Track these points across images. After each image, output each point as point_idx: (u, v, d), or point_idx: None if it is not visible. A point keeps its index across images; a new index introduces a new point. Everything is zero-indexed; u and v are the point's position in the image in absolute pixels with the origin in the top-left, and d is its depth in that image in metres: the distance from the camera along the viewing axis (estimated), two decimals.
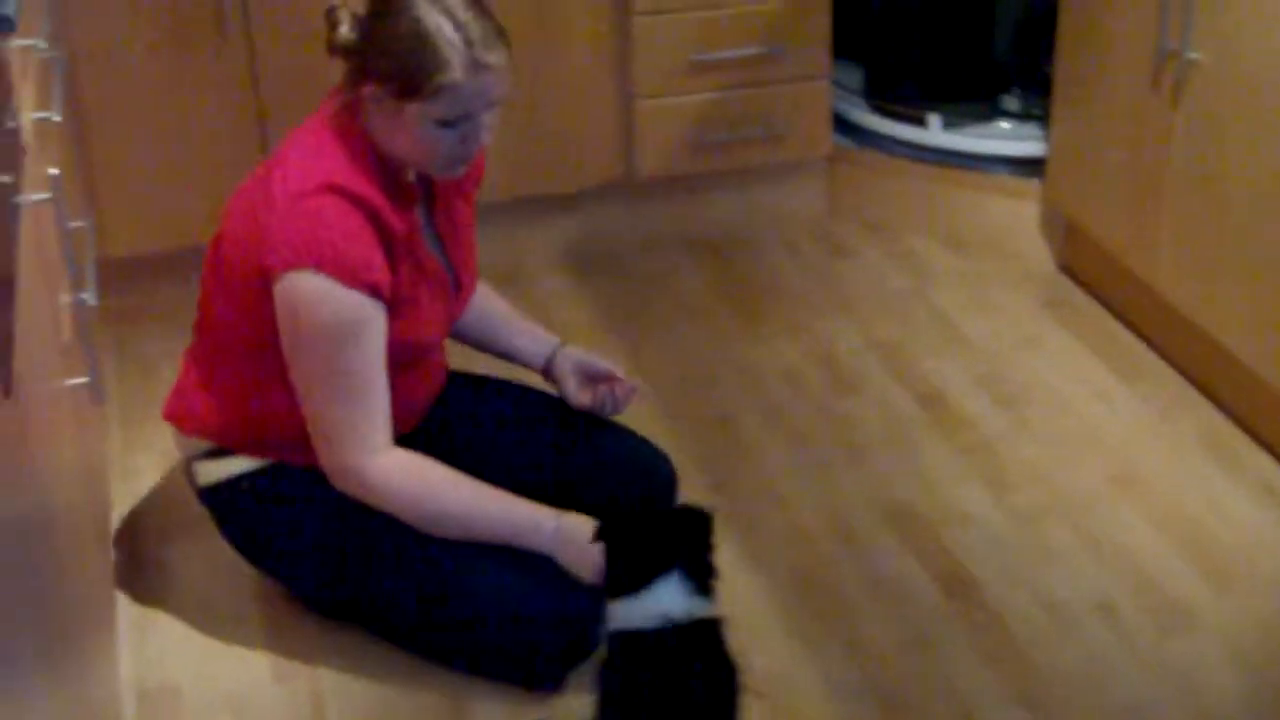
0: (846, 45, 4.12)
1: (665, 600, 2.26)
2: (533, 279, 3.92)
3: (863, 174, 4.12)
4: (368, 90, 2.46)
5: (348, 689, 2.65)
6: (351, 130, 2.52)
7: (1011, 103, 4.05)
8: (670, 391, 3.43)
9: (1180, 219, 3.29)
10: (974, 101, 4.06)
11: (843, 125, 4.16)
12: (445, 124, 2.46)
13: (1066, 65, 3.70)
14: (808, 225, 4.13)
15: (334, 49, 2.52)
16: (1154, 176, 3.35)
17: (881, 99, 4.13)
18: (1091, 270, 3.77)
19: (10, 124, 2.30)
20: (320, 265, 2.42)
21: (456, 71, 2.42)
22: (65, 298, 2.51)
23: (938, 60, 4.12)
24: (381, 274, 2.47)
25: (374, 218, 2.47)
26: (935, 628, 2.75)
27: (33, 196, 2.28)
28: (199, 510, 2.78)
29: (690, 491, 3.00)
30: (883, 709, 2.58)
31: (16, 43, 2.53)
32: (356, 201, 2.46)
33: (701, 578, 2.30)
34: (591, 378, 2.88)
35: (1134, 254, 3.49)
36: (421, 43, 2.41)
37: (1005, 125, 4.02)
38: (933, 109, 4.02)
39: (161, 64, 3.54)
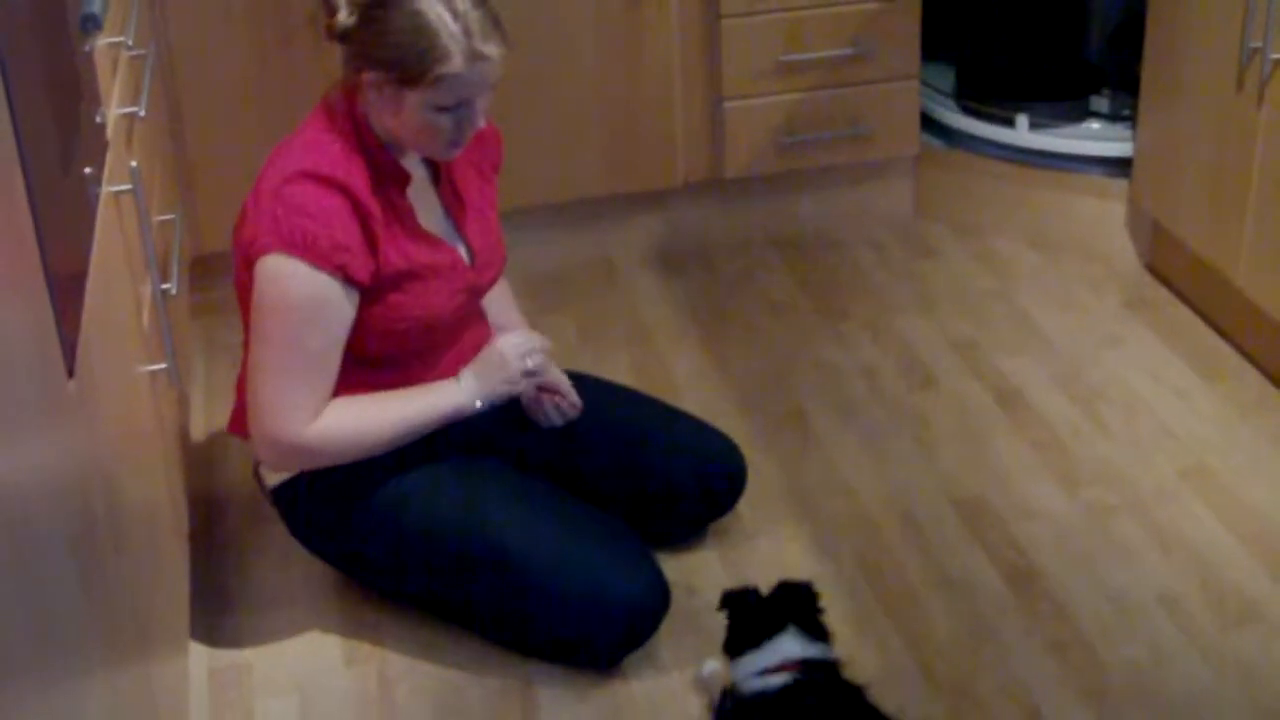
0: (937, 46, 4.15)
1: (784, 649, 2.42)
2: (622, 275, 3.97)
3: (950, 174, 4.14)
4: (368, 77, 2.53)
5: (415, 672, 2.71)
6: (343, 114, 2.60)
7: (1102, 104, 4.05)
8: (747, 385, 3.47)
9: (1264, 218, 3.28)
10: (1064, 102, 4.07)
11: (931, 125, 4.18)
12: (443, 110, 2.53)
13: (1153, 66, 3.71)
14: (893, 225, 4.16)
15: (332, 34, 2.59)
16: (1238, 176, 3.35)
17: (971, 99, 4.14)
18: (1177, 270, 3.77)
19: (97, 119, 2.38)
20: (290, 247, 2.49)
21: (457, 62, 2.49)
22: (146, 287, 2.59)
23: (1028, 61, 4.13)
24: (355, 256, 2.53)
25: (351, 200, 2.53)
26: (998, 619, 2.76)
27: (111, 188, 2.36)
28: None
29: (759, 481, 3.04)
30: (944, 698, 2.60)
31: (104, 40, 2.62)
32: (332, 184, 2.52)
33: (818, 635, 2.47)
34: (541, 387, 2.85)
35: (1218, 253, 3.48)
36: (422, 33, 2.48)
37: (1095, 126, 4.02)
38: (1022, 109, 4.03)
39: (257, 63, 3.61)
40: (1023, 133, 4.02)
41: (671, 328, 3.72)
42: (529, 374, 2.73)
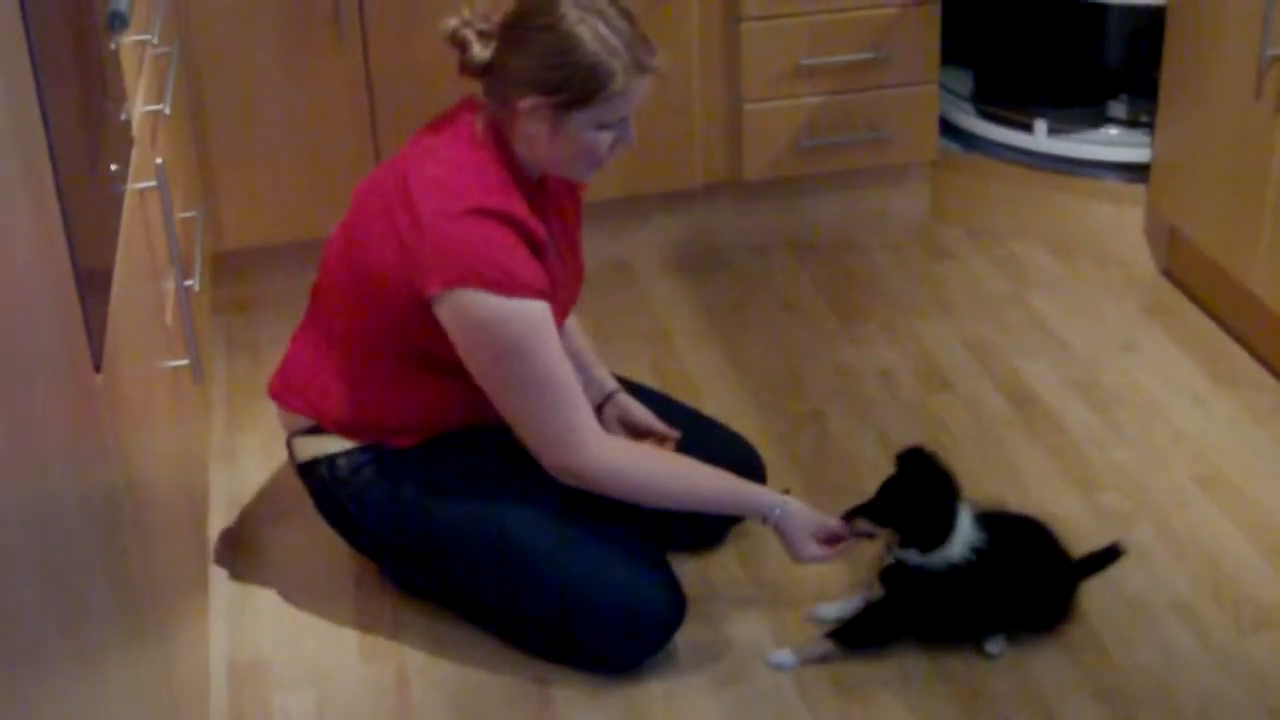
0: (956, 50, 4.16)
1: (966, 534, 2.63)
2: (640, 276, 3.99)
3: (967, 179, 4.15)
4: (526, 104, 2.50)
5: (432, 667, 2.72)
6: (491, 143, 2.56)
7: (1119, 109, 4.06)
8: (765, 388, 3.48)
9: None
10: (1082, 108, 4.08)
11: (950, 130, 4.19)
12: (605, 127, 2.53)
13: (1172, 72, 3.71)
14: (911, 229, 4.17)
15: (468, 69, 2.56)
16: (1256, 182, 3.36)
17: (989, 104, 4.15)
18: (1194, 276, 3.78)
19: (123, 117, 2.40)
20: (487, 285, 2.47)
21: (623, 78, 2.49)
22: (170, 283, 2.61)
23: (1046, 66, 4.14)
24: (541, 277, 2.52)
25: (522, 231, 2.52)
26: None
27: (136, 184, 2.37)
28: (297, 491, 2.87)
29: (776, 481, 3.04)
30: (961, 699, 2.62)
31: (130, 38, 2.63)
32: (504, 218, 2.50)
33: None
34: (634, 430, 2.89)
35: (1234, 259, 3.49)
36: (585, 54, 2.47)
37: (1112, 131, 4.03)
38: (1040, 115, 4.04)
39: (278, 61, 3.63)
40: (1041, 138, 4.03)
41: (689, 329, 3.74)
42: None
